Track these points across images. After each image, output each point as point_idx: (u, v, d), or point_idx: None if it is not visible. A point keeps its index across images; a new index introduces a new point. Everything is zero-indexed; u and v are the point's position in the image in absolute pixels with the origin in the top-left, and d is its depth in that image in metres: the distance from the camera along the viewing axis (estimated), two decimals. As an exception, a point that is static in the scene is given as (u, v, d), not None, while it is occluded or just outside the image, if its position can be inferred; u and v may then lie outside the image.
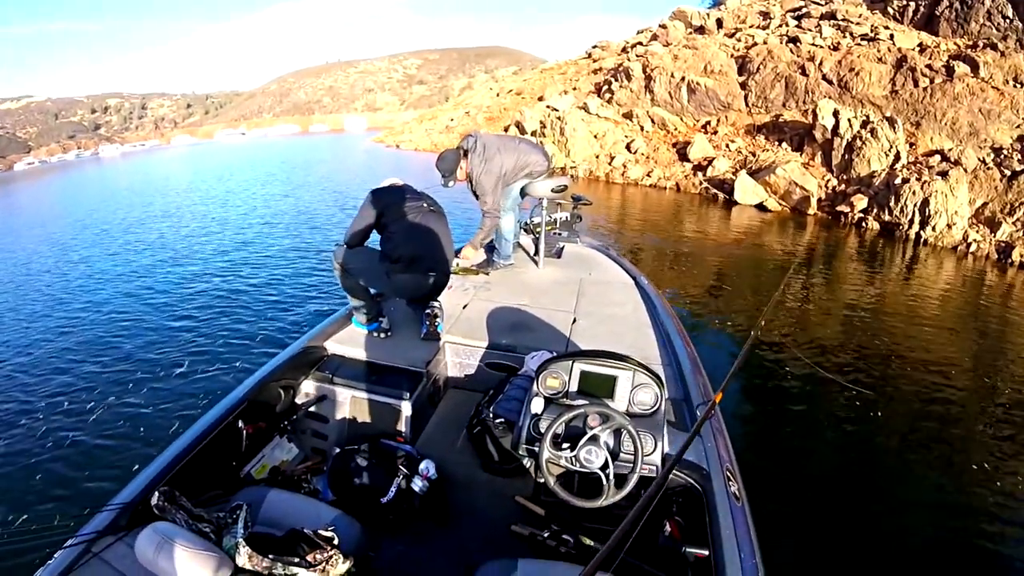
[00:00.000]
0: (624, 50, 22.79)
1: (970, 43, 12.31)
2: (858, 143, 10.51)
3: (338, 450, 1.96)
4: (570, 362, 1.70)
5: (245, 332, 5.28)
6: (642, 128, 15.99)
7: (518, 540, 1.57)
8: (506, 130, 18.41)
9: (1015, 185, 8.40)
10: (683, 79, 15.65)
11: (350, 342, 2.49)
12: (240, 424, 1.91)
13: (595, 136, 15.89)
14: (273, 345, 4.86)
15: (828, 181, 10.88)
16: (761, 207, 10.78)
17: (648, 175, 14.00)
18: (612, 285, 3.12)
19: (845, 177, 10.70)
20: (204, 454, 1.71)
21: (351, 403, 2.28)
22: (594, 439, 1.47)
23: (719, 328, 5.10)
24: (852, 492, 2.99)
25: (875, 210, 9.26)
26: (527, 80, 28.80)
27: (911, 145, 10.73)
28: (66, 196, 23.41)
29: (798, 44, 14.51)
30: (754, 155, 12.65)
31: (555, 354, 1.88)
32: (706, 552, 1.33)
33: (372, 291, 2.60)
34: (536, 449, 1.52)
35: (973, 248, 7.87)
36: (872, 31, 13.98)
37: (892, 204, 8.85)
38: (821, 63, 13.39)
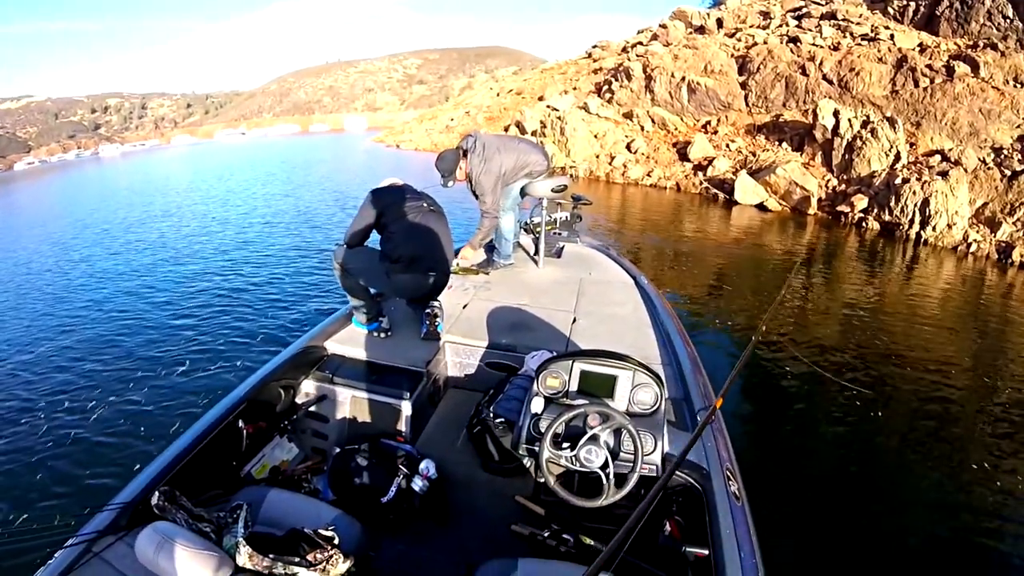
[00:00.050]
0: (624, 50, 22.79)
1: (970, 43, 12.30)
2: (858, 143, 10.51)
3: (338, 450, 1.96)
4: (570, 362, 1.70)
5: (246, 331, 5.28)
6: (642, 128, 15.99)
7: (518, 539, 1.57)
8: (506, 130, 18.42)
9: (1015, 185, 8.40)
10: (683, 79, 15.64)
11: (350, 342, 2.49)
12: (240, 424, 1.91)
13: (595, 136, 15.89)
14: (274, 344, 4.86)
15: (828, 181, 10.88)
16: (761, 207, 10.78)
17: (648, 175, 14.00)
18: (612, 285, 3.12)
19: (845, 177, 10.69)
20: (204, 454, 1.71)
21: (351, 403, 2.28)
22: (594, 439, 1.47)
23: (719, 328, 5.10)
24: (852, 492, 2.99)
25: (875, 210, 9.26)
26: (527, 80, 28.79)
27: (911, 145, 10.73)
28: (66, 196, 23.42)
29: (798, 44, 14.51)
30: (754, 155, 12.65)
31: (555, 354, 1.88)
32: (706, 551, 1.33)
33: (372, 291, 2.60)
34: (536, 449, 1.52)
35: (973, 248, 7.87)
36: (872, 31, 13.98)
37: (892, 204, 8.85)
38: (821, 63, 13.38)
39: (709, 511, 1.40)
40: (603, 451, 1.45)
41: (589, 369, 1.68)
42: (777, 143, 12.99)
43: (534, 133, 17.01)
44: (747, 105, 14.69)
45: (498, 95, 28.39)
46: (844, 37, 14.24)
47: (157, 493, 1.33)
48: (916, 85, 11.52)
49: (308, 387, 2.33)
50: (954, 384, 4.07)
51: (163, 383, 4.28)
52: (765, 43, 15.29)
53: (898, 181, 9.04)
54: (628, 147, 15.25)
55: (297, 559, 1.22)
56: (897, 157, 10.14)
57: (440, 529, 1.77)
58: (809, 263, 7.41)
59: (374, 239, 2.60)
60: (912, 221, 8.51)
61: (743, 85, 14.85)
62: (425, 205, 2.55)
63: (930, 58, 12.00)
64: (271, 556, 1.19)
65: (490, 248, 3.59)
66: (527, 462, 1.75)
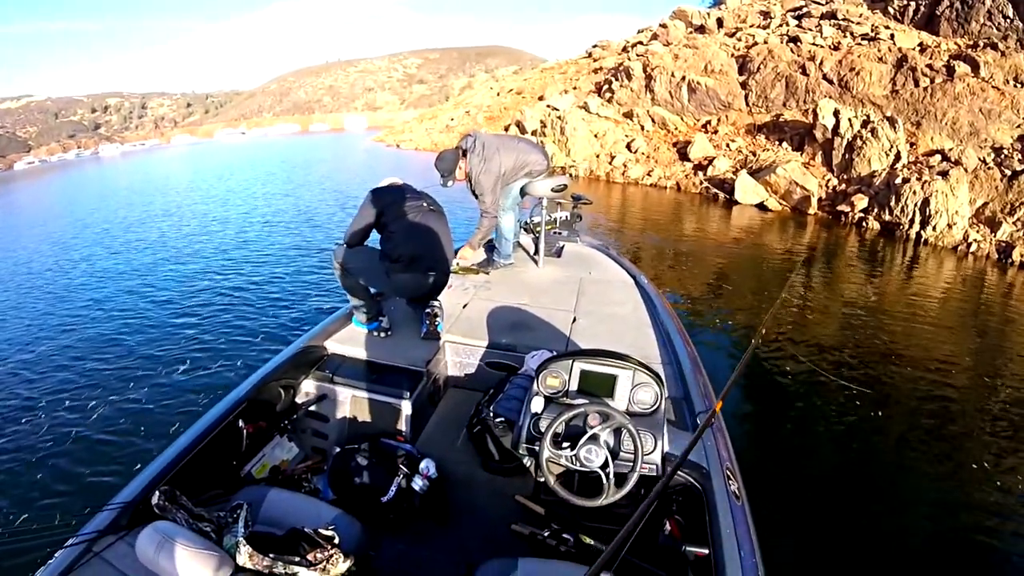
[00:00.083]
0: (624, 49, 22.78)
1: (970, 43, 12.30)
2: (858, 143, 10.51)
3: (338, 449, 1.96)
4: (570, 361, 1.70)
5: (246, 329, 5.29)
6: (642, 127, 15.98)
7: (518, 539, 1.57)
8: (506, 129, 18.42)
9: (1015, 185, 8.40)
10: (683, 78, 15.64)
11: (350, 341, 2.49)
12: (240, 423, 1.91)
13: (595, 135, 15.88)
14: (274, 342, 4.87)
15: (828, 181, 10.88)
16: (761, 207, 10.78)
17: (648, 174, 14.00)
18: (612, 284, 3.12)
19: (845, 177, 10.69)
20: (204, 453, 1.71)
21: (351, 402, 2.28)
22: (594, 438, 1.47)
23: (719, 327, 5.10)
24: (852, 491, 2.99)
25: (875, 210, 9.26)
26: (527, 79, 28.78)
27: (911, 145, 10.73)
28: (66, 195, 23.41)
29: (799, 44, 14.50)
30: (754, 155, 12.64)
31: (555, 353, 1.88)
32: (706, 551, 1.33)
33: (372, 290, 2.60)
34: (536, 448, 1.52)
35: (973, 248, 7.87)
36: (872, 31, 13.97)
37: (892, 204, 8.85)
38: (821, 63, 13.38)
39: (709, 510, 1.39)
40: (603, 451, 1.45)
41: (589, 369, 1.68)
42: (777, 143, 12.98)
43: (534, 133, 17.00)
44: (747, 105, 14.69)
45: (498, 95, 28.38)
46: (844, 37, 14.23)
47: (157, 493, 1.33)
48: (916, 85, 11.51)
49: (308, 387, 2.33)
50: (954, 384, 4.07)
51: (164, 382, 4.29)
52: (765, 43, 15.29)
53: (898, 181, 9.03)
54: (628, 147, 15.25)
55: (297, 558, 1.22)
56: (897, 157, 10.14)
57: (440, 529, 1.77)
58: (809, 263, 7.41)
59: (374, 238, 2.59)
60: (912, 221, 8.50)
61: (743, 85, 14.84)
62: (425, 205, 2.54)
63: (930, 58, 11.99)
64: (271, 556, 1.20)
65: (490, 248, 3.59)
66: (527, 462, 1.75)
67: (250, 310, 5.85)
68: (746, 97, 14.71)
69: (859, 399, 3.78)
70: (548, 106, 19.00)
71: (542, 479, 1.60)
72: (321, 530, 1.32)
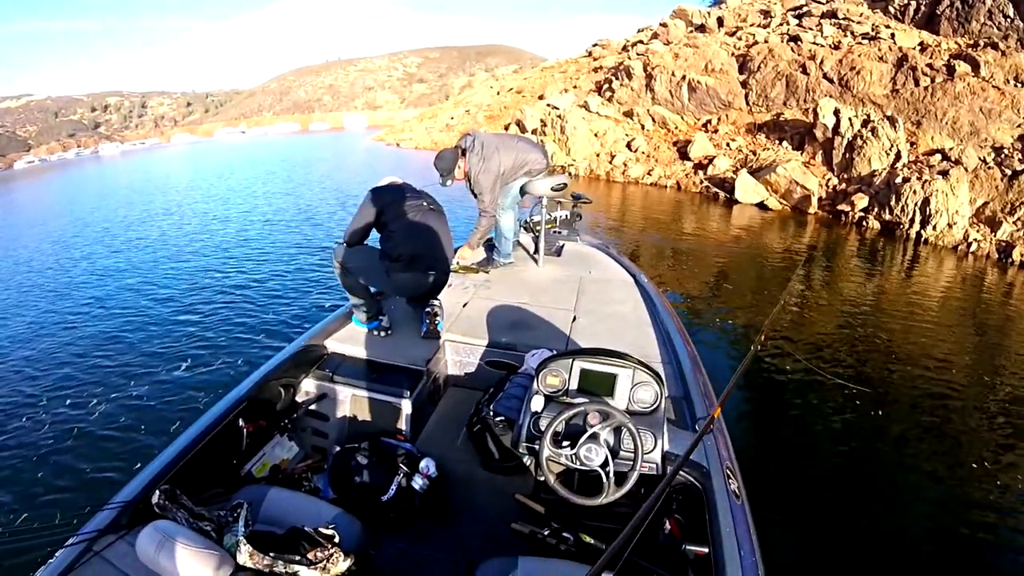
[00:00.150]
0: (625, 48, 22.76)
1: (971, 42, 12.28)
2: (859, 142, 10.50)
3: (338, 448, 1.96)
4: (570, 360, 1.70)
5: (247, 327, 5.30)
6: (643, 127, 15.97)
7: (518, 538, 1.57)
8: (507, 128, 18.41)
9: (1016, 184, 8.39)
10: (684, 78, 15.62)
11: (350, 340, 2.49)
12: (241, 423, 1.91)
13: (596, 134, 15.87)
14: (275, 340, 4.89)
15: (829, 180, 10.87)
16: (762, 206, 10.77)
17: (649, 174, 13.99)
18: (612, 283, 3.12)
19: (846, 176, 10.69)
20: (205, 453, 1.71)
21: (351, 401, 2.28)
22: (594, 437, 1.47)
23: (719, 327, 5.10)
24: (852, 490, 2.99)
25: (876, 209, 9.26)
26: (527, 78, 28.75)
27: (912, 144, 10.72)
28: (67, 194, 23.40)
29: (799, 43, 14.49)
30: (755, 154, 12.63)
31: (555, 352, 1.88)
32: (706, 550, 1.33)
33: (372, 289, 2.60)
34: (536, 447, 1.52)
35: (974, 247, 7.87)
36: (873, 30, 13.95)
37: (893, 203, 8.84)
38: (822, 62, 13.37)
39: (709, 509, 1.40)
40: (603, 449, 1.46)
41: (589, 367, 1.68)
42: (778, 142, 12.97)
43: (534, 132, 16.99)
44: (747, 104, 14.68)
45: (498, 94, 28.35)
46: (845, 36, 14.22)
47: (158, 492, 1.33)
48: (917, 84, 11.50)
49: (308, 386, 2.33)
50: (954, 383, 4.07)
51: (165, 379, 4.30)
52: (766, 42, 15.27)
53: (898, 180, 9.03)
54: (628, 146, 15.24)
55: (297, 557, 1.22)
56: (898, 156, 10.13)
57: (440, 527, 1.77)
58: (809, 262, 7.41)
59: (374, 238, 2.59)
60: (912, 220, 8.50)
61: (744, 84, 14.83)
62: (425, 204, 2.54)
63: (931, 57, 11.98)
64: (272, 555, 1.20)
65: (490, 247, 3.59)
66: (527, 460, 1.75)
67: (251, 308, 5.86)
68: (746, 96, 14.70)
69: (859, 398, 3.78)
70: (548, 105, 18.98)
71: (542, 478, 1.60)
72: (321, 529, 1.33)
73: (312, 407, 2.28)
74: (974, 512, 2.81)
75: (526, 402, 1.70)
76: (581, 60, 25.34)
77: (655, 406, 1.63)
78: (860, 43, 13.48)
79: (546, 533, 1.54)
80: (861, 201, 9.58)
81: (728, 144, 13.79)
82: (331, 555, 1.25)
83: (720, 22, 19.09)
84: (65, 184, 29.30)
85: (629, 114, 16.51)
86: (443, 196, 2.78)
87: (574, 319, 2.65)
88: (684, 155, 13.94)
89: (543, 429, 1.53)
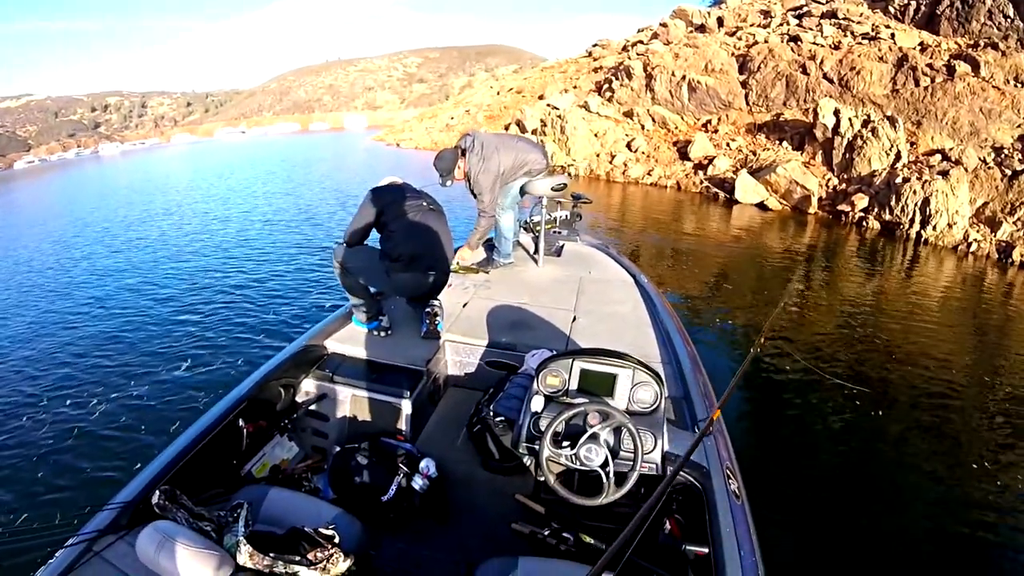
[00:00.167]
0: (625, 48, 22.76)
1: (971, 42, 12.28)
2: (859, 142, 10.50)
3: (338, 448, 1.96)
4: (570, 360, 1.70)
5: (247, 327, 5.30)
6: (643, 127, 15.97)
7: (518, 538, 1.57)
8: (507, 128, 18.41)
9: (1016, 185, 8.40)
10: (684, 78, 15.62)
11: (350, 341, 2.49)
12: (241, 423, 1.91)
13: (596, 135, 15.87)
14: (275, 339, 4.89)
15: (829, 180, 10.87)
16: (762, 206, 10.77)
17: (649, 174, 13.99)
18: (612, 283, 3.12)
19: (846, 176, 10.69)
20: (205, 453, 1.71)
21: (351, 401, 2.28)
22: (594, 437, 1.47)
23: (719, 327, 5.10)
24: (852, 490, 2.99)
25: (876, 209, 9.26)
26: (527, 78, 28.74)
27: (912, 144, 10.72)
28: (67, 194, 23.40)
29: (799, 43, 14.49)
30: (755, 154, 12.63)
31: (555, 352, 1.88)
32: (706, 550, 1.33)
33: (372, 290, 2.60)
34: (536, 447, 1.52)
35: (974, 248, 7.87)
36: (873, 30, 13.96)
37: (893, 203, 8.84)
38: (822, 62, 13.37)
39: (709, 509, 1.40)
40: (603, 449, 1.46)
41: (589, 368, 1.68)
42: (778, 142, 12.97)
43: (534, 132, 16.99)
44: (747, 104, 14.68)
45: (498, 94, 28.35)
46: (845, 36, 14.22)
47: (158, 492, 1.33)
48: (917, 84, 11.51)
49: (308, 386, 2.33)
50: (954, 383, 4.07)
51: (165, 379, 4.30)
52: (766, 42, 15.27)
53: (899, 180, 9.03)
54: (628, 146, 15.24)
55: (298, 558, 1.22)
56: (898, 156, 10.13)
57: (440, 528, 1.77)
58: (809, 262, 7.41)
59: (374, 238, 2.59)
60: (912, 220, 8.50)
61: (744, 84, 14.83)
62: (425, 204, 2.54)
63: (931, 57, 11.98)
64: (272, 555, 1.20)
65: (490, 247, 3.59)
66: (527, 461, 1.75)
67: (251, 308, 5.86)
68: (746, 96, 14.70)
69: (858, 398, 3.78)
70: (548, 105, 18.98)
71: (542, 478, 1.60)
72: (321, 529, 1.33)
73: (312, 407, 2.28)
74: (974, 512, 2.81)
75: (526, 402, 1.70)
76: (581, 60, 25.34)
77: (655, 406, 1.63)
78: (860, 43, 13.49)
79: (546, 533, 1.54)
80: (861, 201, 9.58)
81: (728, 144, 13.79)
82: (331, 555, 1.25)
83: (720, 22, 19.09)
84: (65, 184, 29.30)
85: (629, 114, 16.51)
86: (443, 196, 2.78)
87: (574, 319, 2.65)
88: (684, 155, 13.94)
89: (543, 429, 1.53)
